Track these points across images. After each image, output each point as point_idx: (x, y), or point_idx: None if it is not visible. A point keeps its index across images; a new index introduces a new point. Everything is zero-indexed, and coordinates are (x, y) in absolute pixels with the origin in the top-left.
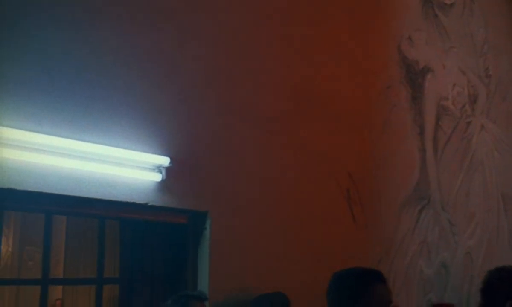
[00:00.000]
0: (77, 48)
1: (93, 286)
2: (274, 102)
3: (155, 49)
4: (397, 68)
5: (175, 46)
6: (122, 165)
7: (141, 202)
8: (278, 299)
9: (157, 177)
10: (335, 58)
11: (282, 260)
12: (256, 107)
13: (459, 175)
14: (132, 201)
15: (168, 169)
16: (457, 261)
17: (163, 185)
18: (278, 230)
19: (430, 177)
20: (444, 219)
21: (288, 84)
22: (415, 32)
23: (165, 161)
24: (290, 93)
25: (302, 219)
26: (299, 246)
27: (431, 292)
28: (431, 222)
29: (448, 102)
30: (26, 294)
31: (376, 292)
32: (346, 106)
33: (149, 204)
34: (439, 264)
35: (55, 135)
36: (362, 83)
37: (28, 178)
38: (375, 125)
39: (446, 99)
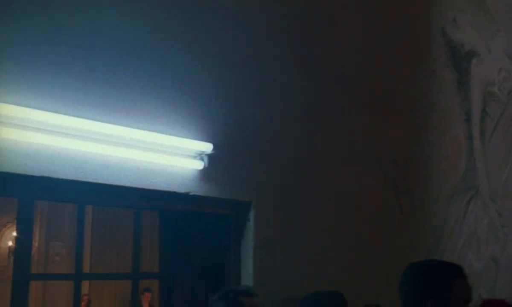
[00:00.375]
0: (117, 30)
1: (119, 282)
2: (318, 89)
3: (197, 32)
4: (442, 51)
5: (217, 30)
6: (162, 152)
7: (182, 191)
8: (337, 300)
9: (199, 165)
10: (379, 43)
11: (328, 253)
12: (301, 93)
13: (507, 164)
14: (172, 190)
15: (210, 157)
16: (507, 254)
17: (205, 174)
18: (323, 221)
19: (477, 165)
20: (492, 211)
21: (332, 70)
22: (460, 14)
23: (207, 147)
24: (334, 79)
25: (348, 210)
26: (345, 238)
27: (480, 287)
28: (479, 213)
29: (495, 87)
30: (53, 290)
31: (457, 287)
32: (390, 91)
33: (191, 193)
34: (489, 258)
35: (91, 119)
36: (406, 67)
37: (60, 166)
38: (420, 111)
39: (493, 85)
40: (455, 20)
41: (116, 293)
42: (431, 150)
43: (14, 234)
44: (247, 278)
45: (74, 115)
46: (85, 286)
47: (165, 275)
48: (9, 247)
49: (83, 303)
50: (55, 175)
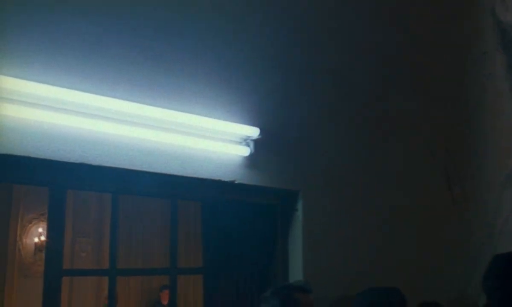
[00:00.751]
0: (159, 5)
1: (146, 277)
2: (370, 75)
3: (247, 12)
4: (491, 33)
5: (267, 11)
6: (205, 137)
7: (227, 180)
8: (395, 297)
9: (244, 151)
10: (428, 25)
11: (380, 246)
12: (352, 79)
13: None
14: (217, 178)
15: (256, 142)
16: None
17: (251, 161)
18: (375, 213)
19: None
20: None
21: (383, 54)
22: None
23: (254, 132)
24: (383, 63)
25: (400, 201)
26: (398, 231)
27: None
28: None
29: None
30: (80, 287)
31: None
32: (440, 75)
33: (236, 182)
34: None
35: (129, 100)
36: (455, 50)
37: (96, 151)
38: (471, 95)
39: None
40: (505, 0)
41: (141, 289)
42: (483, 137)
43: (40, 230)
44: (296, 273)
45: (110, 96)
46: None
47: (208, 270)
48: (35, 243)
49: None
50: (90, 162)
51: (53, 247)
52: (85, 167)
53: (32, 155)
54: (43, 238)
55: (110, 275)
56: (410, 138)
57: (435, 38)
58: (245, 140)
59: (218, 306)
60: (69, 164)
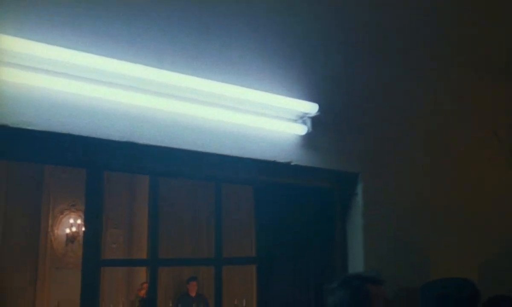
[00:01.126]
0: None
1: (176, 269)
2: (434, 51)
3: None
4: None
5: None
6: (258, 113)
7: (282, 161)
8: (467, 290)
9: (301, 129)
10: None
11: (448, 234)
12: (416, 55)
13: None
14: (272, 159)
15: (314, 120)
16: None
17: (307, 140)
18: (440, 197)
19: None
20: None
21: (447, 30)
22: None
23: (311, 108)
24: (449, 42)
25: (466, 185)
26: (465, 216)
27: None
28: None
29: None
30: (111, 278)
31: None
32: (504, 52)
33: (292, 163)
34: None
35: (174, 70)
36: None
37: (142, 129)
38: None
39: None
40: None
41: (171, 281)
42: None
43: (71, 221)
44: (356, 262)
45: (155, 66)
46: (142, 273)
47: (262, 259)
48: (67, 234)
49: (143, 291)
50: (133, 140)
51: (91, 235)
52: (128, 146)
53: (68, 132)
54: (74, 229)
55: (152, 266)
56: (476, 118)
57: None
58: (301, 117)
59: (273, 299)
60: (110, 142)
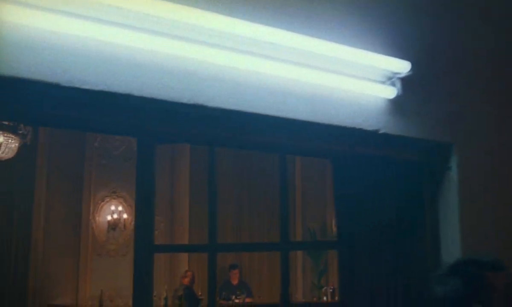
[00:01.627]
0: None
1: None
2: None
3: None
4: None
5: None
6: (341, 73)
7: (369, 128)
8: None
9: (390, 92)
10: None
11: None
12: None
13: None
14: (357, 127)
15: (404, 82)
16: None
17: (396, 105)
18: None
19: None
20: None
21: None
22: None
23: (402, 67)
24: None
25: None
26: None
27: None
28: None
29: None
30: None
31: None
32: None
33: (380, 131)
34: None
35: (246, 19)
36: None
37: (209, 90)
38: None
39: None
40: None
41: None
42: None
43: (112, 208)
44: (450, 245)
45: (228, 15)
46: (184, 261)
47: (344, 243)
48: (108, 221)
49: (187, 279)
50: (202, 102)
51: (142, 218)
52: (197, 108)
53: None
54: (115, 215)
55: (210, 251)
56: None
57: None
58: (390, 78)
59: (356, 286)
60: (170, 104)
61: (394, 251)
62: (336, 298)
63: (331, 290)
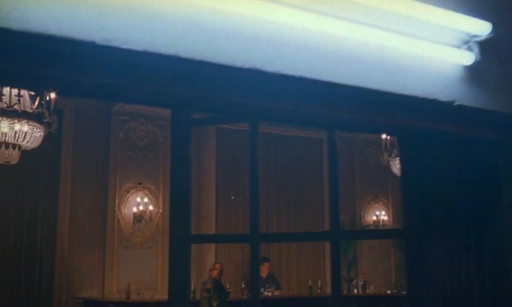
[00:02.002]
0: None
1: (246, 246)
2: None
3: None
4: None
5: None
6: (410, 35)
7: (443, 99)
8: None
9: (466, 58)
10: None
11: None
12: None
13: None
14: (427, 97)
15: (483, 46)
16: None
17: (473, 73)
18: None
19: None
20: None
21: None
22: None
23: (481, 29)
24: None
25: None
26: None
27: None
28: None
29: None
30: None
31: None
32: None
33: (455, 103)
34: None
35: None
36: None
37: (255, 53)
38: None
39: None
40: None
41: (241, 259)
42: None
43: (138, 200)
44: None
45: None
46: (211, 254)
47: (411, 231)
48: (134, 213)
49: (215, 272)
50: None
51: (178, 206)
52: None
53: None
54: (141, 207)
55: (252, 241)
56: None
57: None
58: (467, 42)
59: (425, 279)
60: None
61: (468, 240)
62: (367, 291)
63: (362, 283)
